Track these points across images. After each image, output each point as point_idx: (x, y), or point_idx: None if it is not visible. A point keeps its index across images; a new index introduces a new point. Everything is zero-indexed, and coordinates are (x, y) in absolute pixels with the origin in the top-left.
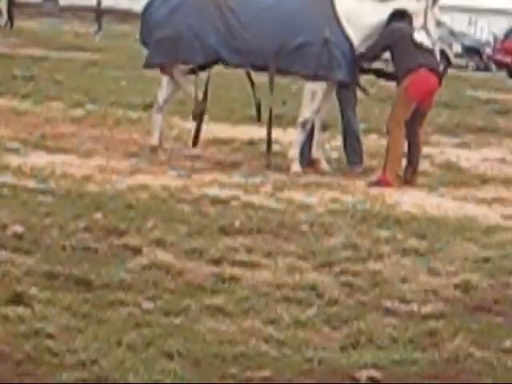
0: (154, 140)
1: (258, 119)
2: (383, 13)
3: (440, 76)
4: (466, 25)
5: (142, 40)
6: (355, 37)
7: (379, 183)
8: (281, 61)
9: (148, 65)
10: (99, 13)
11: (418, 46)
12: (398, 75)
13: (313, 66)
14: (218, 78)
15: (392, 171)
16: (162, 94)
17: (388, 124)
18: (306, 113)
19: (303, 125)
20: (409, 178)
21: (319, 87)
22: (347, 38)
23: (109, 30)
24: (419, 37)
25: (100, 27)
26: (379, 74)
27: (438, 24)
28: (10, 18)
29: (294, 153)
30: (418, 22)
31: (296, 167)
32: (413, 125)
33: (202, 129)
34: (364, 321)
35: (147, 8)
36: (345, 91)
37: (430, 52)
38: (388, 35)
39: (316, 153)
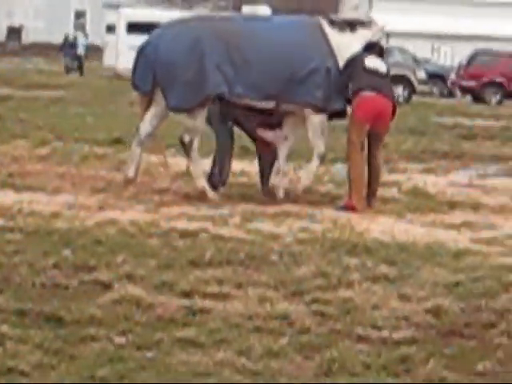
0: (131, 172)
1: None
2: (358, 43)
3: (392, 99)
4: (429, 51)
5: (136, 84)
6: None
7: (345, 208)
8: (289, 92)
9: (180, 110)
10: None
11: (368, 71)
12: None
13: (320, 97)
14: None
15: (356, 195)
16: (145, 129)
17: (346, 149)
18: (321, 145)
19: (322, 157)
20: (370, 203)
21: (324, 118)
22: (339, 69)
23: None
24: (369, 62)
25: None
26: None
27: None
28: None
29: (305, 183)
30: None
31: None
32: (370, 148)
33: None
34: (336, 348)
35: (145, 49)
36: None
37: (381, 76)
38: (345, 64)
39: (274, 180)
